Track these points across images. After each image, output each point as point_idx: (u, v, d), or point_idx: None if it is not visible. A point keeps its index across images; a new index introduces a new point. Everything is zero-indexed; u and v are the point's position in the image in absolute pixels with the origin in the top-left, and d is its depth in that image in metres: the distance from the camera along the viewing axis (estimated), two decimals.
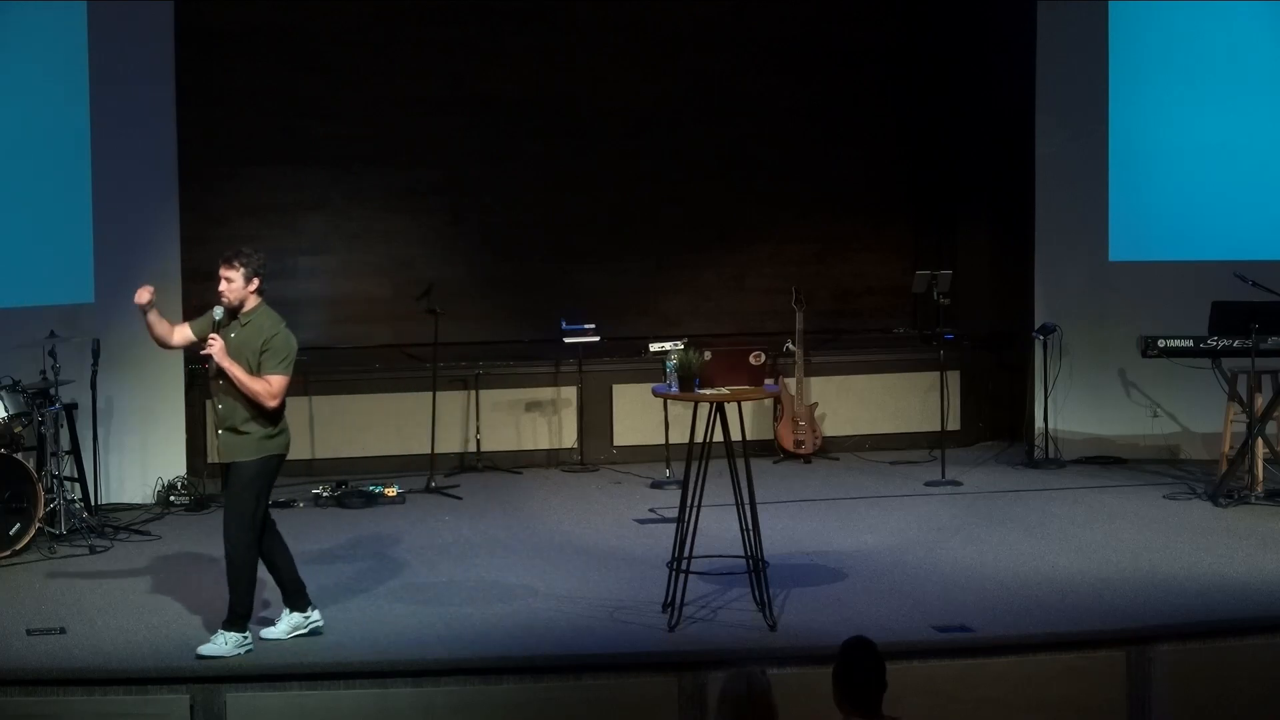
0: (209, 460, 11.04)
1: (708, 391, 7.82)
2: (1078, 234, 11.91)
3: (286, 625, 7.49)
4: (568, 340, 11.84)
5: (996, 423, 12.79)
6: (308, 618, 7.51)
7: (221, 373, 7.32)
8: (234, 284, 7.35)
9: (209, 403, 7.51)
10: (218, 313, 7.39)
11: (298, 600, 7.53)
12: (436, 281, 11.58)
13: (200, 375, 7.50)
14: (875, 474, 11.57)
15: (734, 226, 13.12)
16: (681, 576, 7.74)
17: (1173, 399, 11.69)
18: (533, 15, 12.64)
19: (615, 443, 12.14)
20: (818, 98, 13.16)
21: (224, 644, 7.22)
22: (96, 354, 9.96)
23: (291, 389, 11.45)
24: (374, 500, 10.67)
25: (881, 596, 8.13)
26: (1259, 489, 10.29)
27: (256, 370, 7.33)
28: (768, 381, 8.13)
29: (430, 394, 11.44)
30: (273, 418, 7.40)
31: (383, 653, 7.25)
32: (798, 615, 7.76)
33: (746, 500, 7.80)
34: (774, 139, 13.10)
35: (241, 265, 7.36)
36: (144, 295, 7.30)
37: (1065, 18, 11.83)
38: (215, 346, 7.29)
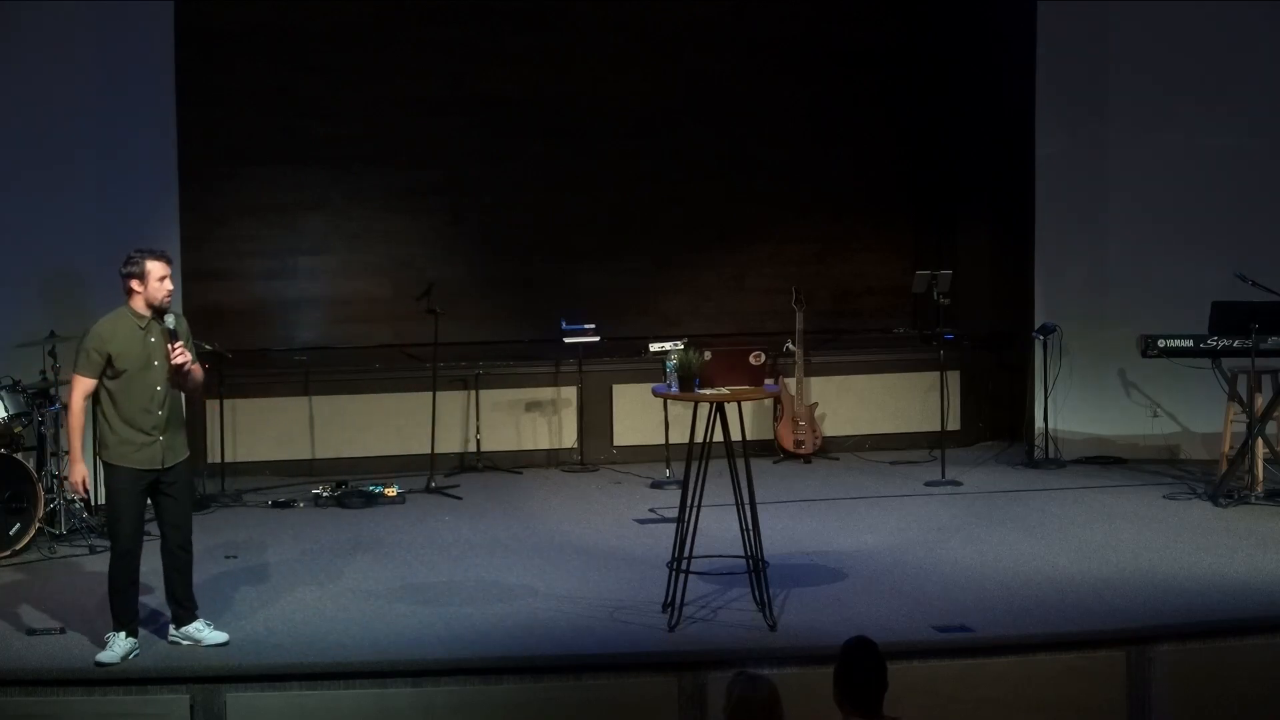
0: (208, 460, 11.05)
1: (708, 391, 7.82)
2: (1078, 234, 11.91)
3: (124, 648, 7.18)
4: (568, 340, 11.85)
5: (996, 423, 12.79)
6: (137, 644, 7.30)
7: (171, 377, 7.21)
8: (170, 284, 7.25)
9: (153, 405, 7.24)
10: (170, 320, 7.21)
11: (136, 625, 7.32)
12: (436, 281, 11.58)
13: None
14: (875, 474, 11.57)
15: (734, 226, 13.12)
16: (681, 576, 7.74)
17: (1173, 399, 11.69)
18: (533, 15, 12.65)
19: (615, 443, 12.14)
20: (818, 98, 13.17)
21: (211, 629, 7.33)
22: None
23: (291, 389, 11.77)
24: (374, 500, 10.67)
25: (881, 596, 8.13)
26: (1259, 489, 10.29)
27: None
28: (768, 381, 8.12)
29: (430, 394, 11.43)
30: None
31: (383, 653, 7.25)
32: (798, 615, 7.76)
33: (746, 500, 7.80)
34: (774, 139, 13.11)
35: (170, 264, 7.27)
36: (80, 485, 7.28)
37: (1065, 18, 11.83)
38: (188, 355, 7.21)
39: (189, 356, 7.21)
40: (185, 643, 7.31)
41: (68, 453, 7.41)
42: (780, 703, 5.27)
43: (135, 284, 7.16)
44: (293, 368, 11.86)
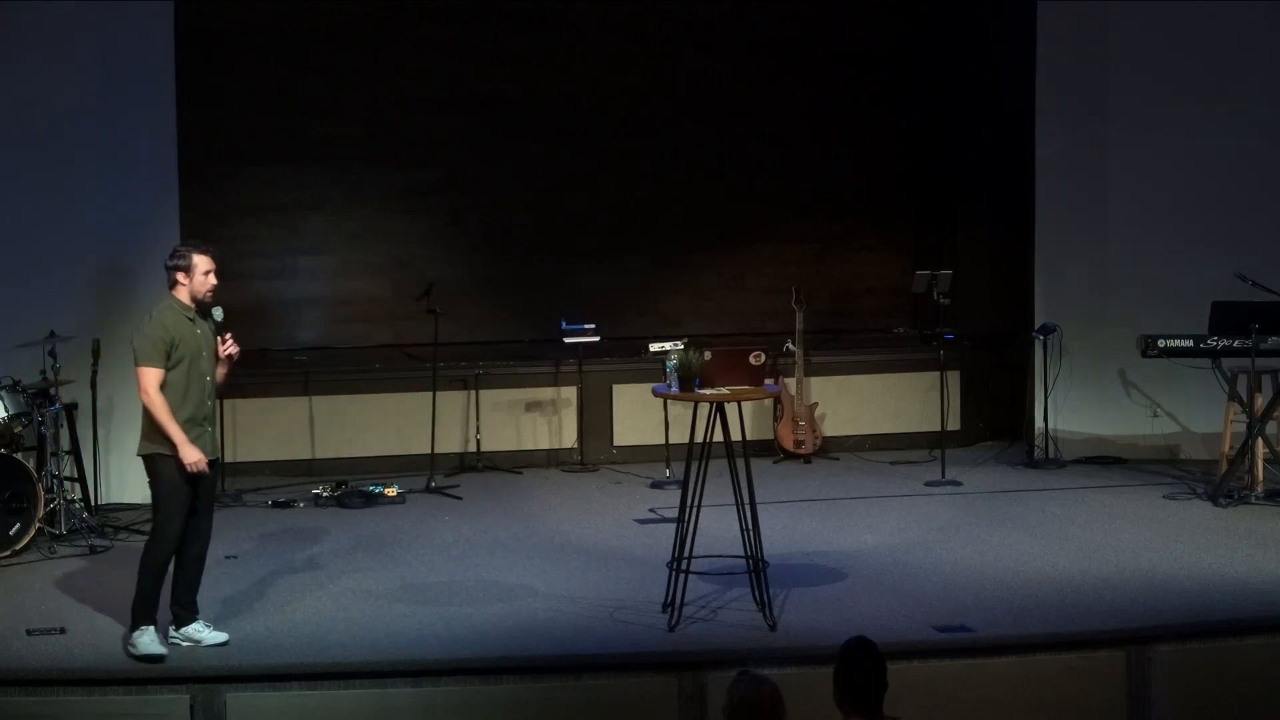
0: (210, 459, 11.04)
1: (708, 391, 7.82)
2: (1078, 234, 11.91)
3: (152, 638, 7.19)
4: (568, 340, 11.84)
5: (996, 423, 12.79)
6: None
7: (216, 368, 7.41)
8: None
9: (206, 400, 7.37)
10: (219, 313, 7.45)
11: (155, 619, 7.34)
12: (436, 281, 11.58)
13: None
14: (875, 474, 11.57)
15: (734, 226, 13.12)
16: (681, 576, 7.74)
17: (1173, 399, 11.69)
18: (533, 15, 12.65)
19: (615, 443, 12.14)
20: (818, 98, 13.17)
21: (211, 629, 7.34)
22: (96, 354, 9.96)
23: (291, 389, 11.77)
24: (374, 500, 10.67)
25: (881, 596, 8.13)
26: (1259, 489, 10.29)
27: None
28: (768, 381, 8.12)
29: (430, 394, 11.43)
30: None
31: (383, 653, 7.25)
32: (798, 615, 7.76)
33: (746, 500, 7.80)
34: (774, 139, 13.11)
35: None
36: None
37: (1065, 18, 11.83)
38: (236, 348, 7.43)
39: (235, 350, 7.41)
40: (185, 643, 7.30)
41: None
42: (782, 702, 5.27)
43: (181, 277, 7.31)
44: (293, 368, 11.87)
